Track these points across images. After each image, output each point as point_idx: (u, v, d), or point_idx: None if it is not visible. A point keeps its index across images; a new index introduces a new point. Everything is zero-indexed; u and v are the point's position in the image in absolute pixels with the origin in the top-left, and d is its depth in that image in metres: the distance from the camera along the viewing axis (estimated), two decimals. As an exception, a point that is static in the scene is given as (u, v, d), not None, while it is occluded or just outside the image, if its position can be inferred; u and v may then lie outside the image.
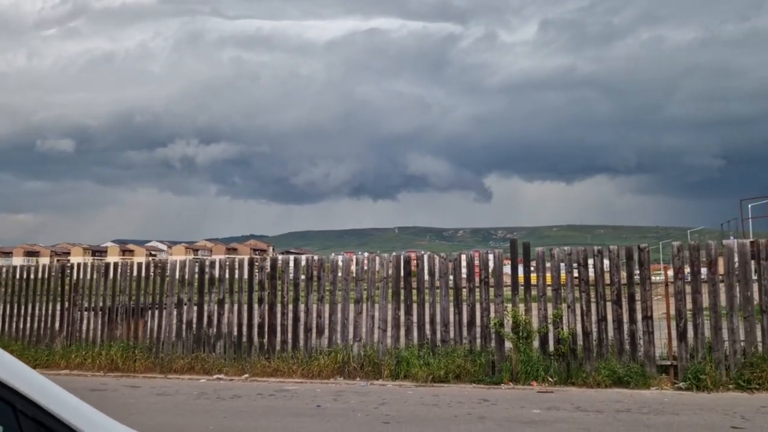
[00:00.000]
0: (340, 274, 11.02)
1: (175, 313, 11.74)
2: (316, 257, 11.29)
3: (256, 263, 11.58)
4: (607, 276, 9.68)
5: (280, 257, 11.59)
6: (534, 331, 9.71)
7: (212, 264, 11.81)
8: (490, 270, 10.30)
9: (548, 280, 9.97)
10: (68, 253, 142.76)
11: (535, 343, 9.77)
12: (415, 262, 10.82)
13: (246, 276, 11.53)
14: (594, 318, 9.59)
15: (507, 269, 10.44)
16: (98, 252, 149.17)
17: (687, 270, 9.34)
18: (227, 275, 11.59)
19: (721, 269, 9.18)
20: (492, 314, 10.06)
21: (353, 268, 10.97)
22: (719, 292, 9.02)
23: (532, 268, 10.19)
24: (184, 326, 11.61)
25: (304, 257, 11.61)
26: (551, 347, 9.68)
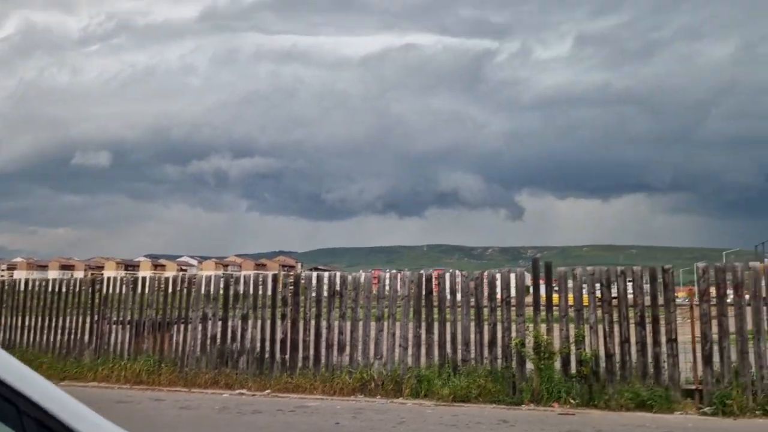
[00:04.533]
0: (362, 291, 11.09)
1: (200, 327, 11.94)
2: (338, 274, 11.41)
3: (280, 279, 11.74)
4: (631, 297, 9.58)
5: (303, 274, 11.72)
6: (556, 351, 9.63)
7: (237, 279, 12.01)
8: (512, 289, 10.27)
9: (570, 301, 9.90)
10: (102, 267, 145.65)
11: (557, 364, 9.68)
12: (436, 280, 10.85)
13: (270, 292, 11.69)
14: (617, 340, 9.47)
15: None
16: (131, 266, 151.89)
17: (713, 292, 9.19)
18: (251, 291, 11.77)
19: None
20: (513, 334, 10.01)
21: (375, 285, 11.04)
22: (746, 315, 8.85)
23: (554, 288, 10.13)
24: (208, 341, 11.79)
25: (326, 274, 11.73)
26: (573, 368, 9.58)
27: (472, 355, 10.21)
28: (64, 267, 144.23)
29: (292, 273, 12.03)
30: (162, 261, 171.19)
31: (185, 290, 12.39)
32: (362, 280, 11.18)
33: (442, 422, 8.47)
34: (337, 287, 11.22)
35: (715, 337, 8.96)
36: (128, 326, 12.57)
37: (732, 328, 8.89)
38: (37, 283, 14.07)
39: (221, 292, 12.01)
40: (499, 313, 10.25)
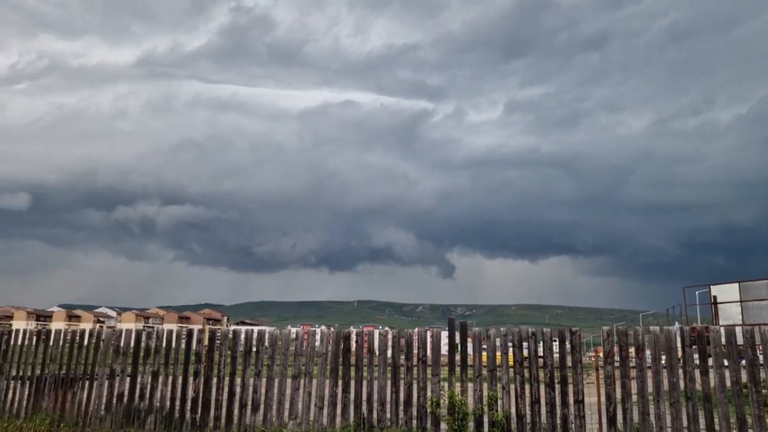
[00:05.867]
0: (279, 348, 10.90)
1: (106, 384, 11.36)
2: (256, 330, 11.19)
3: (194, 335, 11.40)
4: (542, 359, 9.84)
5: (219, 330, 11.42)
6: (470, 413, 9.70)
7: (149, 334, 11.56)
8: (428, 349, 10.36)
9: (484, 360, 10.06)
10: (11, 317, 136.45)
11: (471, 425, 9.75)
12: (354, 338, 10.82)
13: (183, 347, 11.32)
14: (528, 400, 9.67)
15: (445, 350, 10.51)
16: (43, 317, 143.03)
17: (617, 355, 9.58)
18: (164, 346, 11.35)
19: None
20: (429, 393, 10.04)
21: (293, 342, 10.89)
22: (646, 377, 9.25)
23: (469, 349, 10.29)
24: (114, 399, 11.21)
25: (243, 329, 11.49)
26: (486, 430, 9.67)
27: (388, 416, 10.14)
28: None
29: (217, 327, 11.66)
30: (78, 311, 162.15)
31: (92, 345, 11.81)
32: (278, 336, 11.01)
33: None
34: (254, 343, 11.00)
35: (619, 398, 9.29)
36: (28, 382, 11.81)
37: (634, 389, 9.26)
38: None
39: (131, 346, 11.52)
40: (415, 372, 10.30)
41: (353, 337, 10.73)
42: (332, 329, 11.33)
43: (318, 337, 11.08)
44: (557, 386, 9.59)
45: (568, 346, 9.77)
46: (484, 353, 10.12)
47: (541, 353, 9.85)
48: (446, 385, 10.04)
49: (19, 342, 12.34)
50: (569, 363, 9.67)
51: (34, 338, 12.21)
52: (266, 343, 10.98)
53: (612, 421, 9.21)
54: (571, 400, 9.46)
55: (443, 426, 9.82)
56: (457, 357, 10.22)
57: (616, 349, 9.57)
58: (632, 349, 9.55)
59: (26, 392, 11.76)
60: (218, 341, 11.14)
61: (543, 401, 9.60)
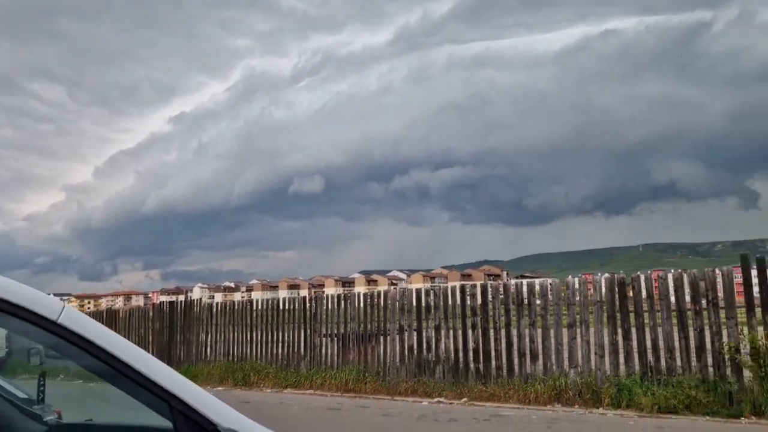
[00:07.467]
0: (550, 297, 10.84)
1: (397, 339, 12.62)
2: (525, 282, 11.30)
3: (467, 291, 11.96)
4: None
5: (489, 284, 11.79)
6: (778, 358, 8.51)
7: (427, 292, 12.50)
8: (719, 289, 9.30)
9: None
10: (323, 285, 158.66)
11: (782, 372, 8.54)
12: (631, 283, 10.23)
13: (459, 302, 11.98)
14: None
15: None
16: (347, 283, 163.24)
17: None
18: (441, 302, 12.15)
19: None
20: (725, 339, 9.05)
21: (565, 292, 10.74)
22: None
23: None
24: (406, 351, 12.41)
25: (513, 282, 11.69)
26: (803, 377, 8.38)
27: (678, 363, 9.42)
28: (291, 286, 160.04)
29: (505, 282, 12.13)
30: (374, 276, 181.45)
31: (381, 304, 13.19)
32: (549, 286, 10.94)
33: (646, 435, 7.98)
34: (525, 295, 11.12)
35: None
36: (336, 339, 13.72)
37: None
38: (260, 302, 15.99)
39: (414, 304, 12.58)
40: (705, 316, 9.35)
41: (630, 282, 10.15)
42: (596, 277, 10.87)
43: (592, 285, 10.73)
44: None
45: None
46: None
47: None
48: (745, 328, 8.93)
49: (327, 306, 14.33)
50: None
51: (335, 301, 14.09)
52: (537, 294, 11.02)
53: None
54: None
55: (746, 373, 8.78)
56: (757, 297, 8.99)
57: None
58: None
59: (335, 347, 13.66)
60: (491, 295, 11.52)
61: None
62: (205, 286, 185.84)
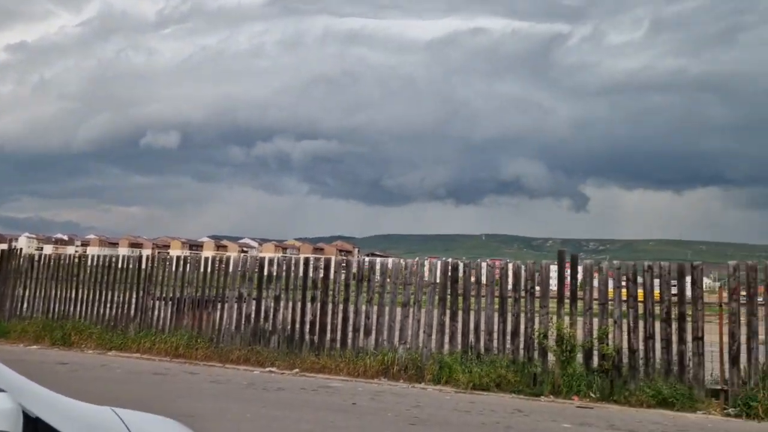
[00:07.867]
0: (389, 277, 11.28)
1: (235, 306, 12.44)
2: (367, 260, 11.63)
3: (311, 263, 12.07)
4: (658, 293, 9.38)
5: (333, 259, 12.01)
6: (578, 345, 9.56)
7: (271, 261, 12.43)
8: (537, 281, 10.23)
9: (597, 294, 9.78)
10: (168, 246, 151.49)
11: (579, 358, 9.61)
12: (462, 268, 10.91)
13: (301, 274, 12.05)
14: (641, 336, 9.32)
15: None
16: (195, 246, 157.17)
17: (743, 292, 8.89)
18: (284, 273, 12.15)
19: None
20: (536, 325, 9.99)
21: (403, 272, 11.20)
22: (776, 316, 8.54)
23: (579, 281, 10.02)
24: (243, 320, 12.28)
25: (357, 259, 11.97)
26: (595, 363, 9.49)
27: (495, 345, 10.25)
28: (133, 245, 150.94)
29: (349, 258, 12.29)
30: (224, 242, 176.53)
31: (221, 270, 12.91)
32: (389, 266, 11.37)
33: (458, 408, 8.58)
34: (365, 272, 11.45)
35: (744, 337, 8.68)
36: (170, 303, 13.21)
37: (762, 328, 8.60)
38: (90, 258, 14.95)
39: (256, 273, 12.44)
40: (523, 303, 10.25)
41: (461, 267, 10.81)
42: (439, 260, 11.48)
43: (427, 268, 11.31)
44: (674, 322, 9.14)
45: (688, 281, 9.21)
46: (596, 287, 9.82)
47: (657, 288, 9.38)
48: (554, 317, 9.91)
49: (166, 268, 13.69)
50: (688, 299, 9.14)
51: (173, 263, 13.54)
52: (377, 273, 11.40)
53: (734, 360, 8.66)
54: (689, 337, 8.99)
55: (550, 357, 9.76)
56: (567, 290, 10.01)
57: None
58: (762, 287, 8.81)
59: (168, 311, 13.17)
60: (333, 270, 11.72)
61: (658, 337, 9.21)
62: (33, 236, 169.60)
